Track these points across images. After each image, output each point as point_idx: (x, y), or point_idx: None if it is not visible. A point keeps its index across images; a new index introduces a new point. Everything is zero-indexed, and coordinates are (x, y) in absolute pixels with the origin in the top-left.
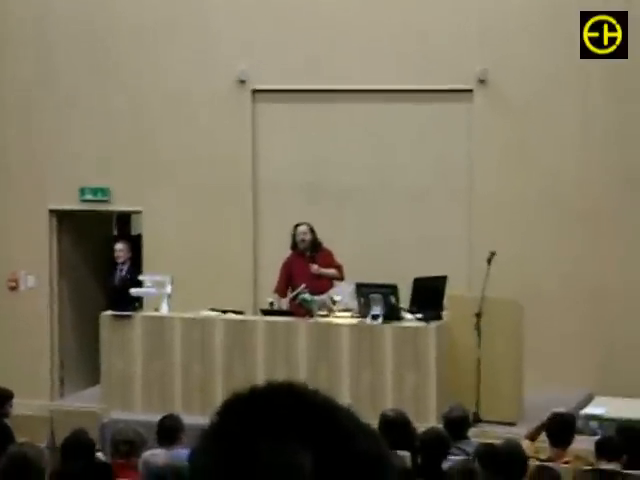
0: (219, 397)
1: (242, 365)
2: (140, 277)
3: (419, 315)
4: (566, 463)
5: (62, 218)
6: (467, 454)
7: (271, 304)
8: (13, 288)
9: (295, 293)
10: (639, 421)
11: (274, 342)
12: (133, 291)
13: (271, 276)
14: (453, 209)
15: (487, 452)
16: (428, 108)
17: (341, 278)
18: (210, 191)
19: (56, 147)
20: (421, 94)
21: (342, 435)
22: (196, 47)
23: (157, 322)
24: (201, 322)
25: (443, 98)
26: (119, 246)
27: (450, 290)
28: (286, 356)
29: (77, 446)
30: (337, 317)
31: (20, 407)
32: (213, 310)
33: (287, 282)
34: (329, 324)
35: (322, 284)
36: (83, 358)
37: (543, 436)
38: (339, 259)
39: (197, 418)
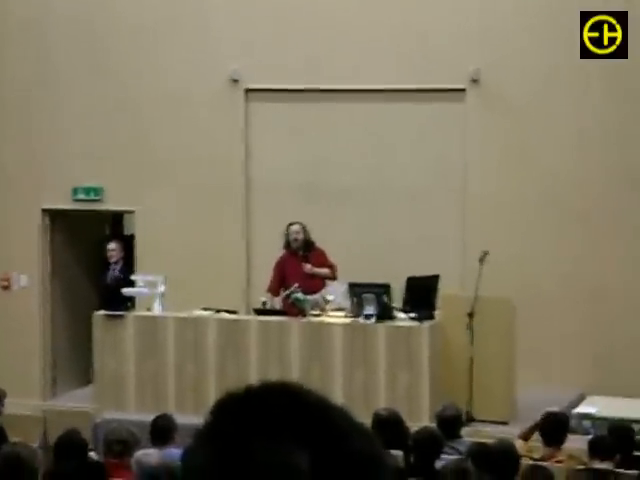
0: (212, 397)
1: (235, 364)
2: (133, 277)
3: (412, 314)
4: (559, 462)
5: (55, 217)
6: (460, 453)
7: (264, 303)
8: (5, 287)
9: (288, 292)
10: (631, 420)
11: (267, 341)
12: (125, 291)
13: (264, 275)
14: (447, 209)
15: (480, 451)
16: (424, 108)
17: (334, 278)
18: (203, 191)
19: (48, 147)
20: (417, 94)
21: (337, 434)
22: (189, 47)
23: (150, 322)
24: (194, 322)
25: (439, 98)
26: (112, 246)
27: (443, 289)
28: (279, 355)
29: (70, 446)
30: (330, 316)
31: (13, 407)
32: (206, 310)
33: (280, 281)
34: (322, 323)
35: (315, 283)
36: (75, 358)
37: (536, 435)
38: (333, 259)
39: (190, 418)
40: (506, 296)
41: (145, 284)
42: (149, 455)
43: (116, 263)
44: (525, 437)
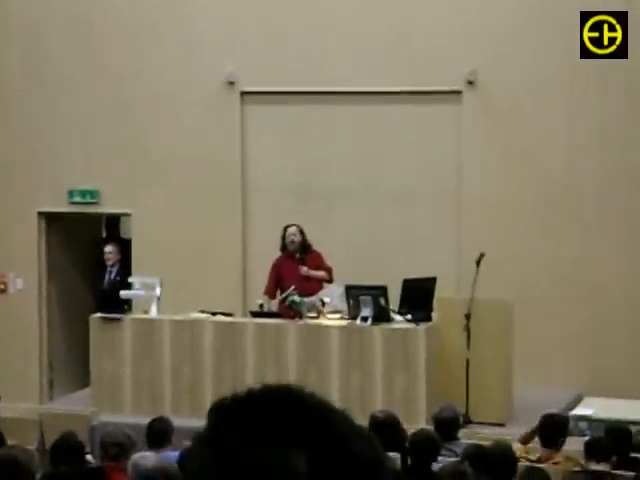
0: (208, 399)
1: (232, 367)
2: (129, 279)
3: (409, 316)
4: (556, 464)
5: (51, 220)
6: (457, 455)
7: (261, 306)
8: (2, 291)
9: (285, 295)
10: (628, 422)
11: (263, 344)
12: (123, 293)
13: (260, 278)
14: (442, 210)
15: (476, 453)
16: (420, 110)
17: (330, 280)
18: (199, 193)
19: (45, 150)
20: (410, 96)
21: (337, 437)
22: (185, 49)
23: (146, 324)
24: (190, 324)
25: (432, 100)
26: (108, 248)
27: (439, 291)
28: (276, 358)
29: (66, 449)
30: (327, 319)
31: (9, 410)
32: (202, 312)
33: (277, 284)
34: (319, 326)
35: (312, 286)
36: (72, 361)
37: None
38: (329, 261)
39: (187, 420)
40: (503, 297)
41: (142, 287)
42: (145, 458)
43: (113, 266)
44: (525, 441)
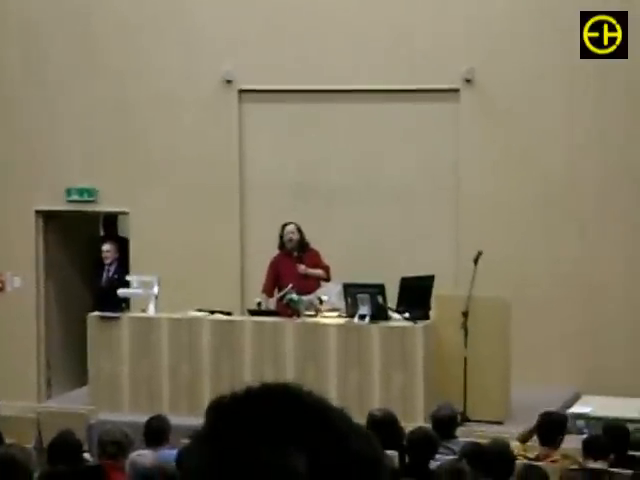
0: (206, 397)
1: (229, 365)
2: (127, 278)
3: (406, 315)
4: (554, 462)
5: (48, 219)
6: (455, 453)
7: (259, 304)
8: None
9: (282, 293)
10: (626, 420)
11: (261, 342)
12: (120, 292)
13: (259, 276)
14: (440, 208)
15: (474, 451)
16: (418, 108)
17: (328, 279)
18: (197, 191)
19: (42, 148)
20: (408, 94)
21: (335, 436)
22: (183, 48)
23: (144, 323)
24: (188, 323)
25: (430, 98)
26: (106, 247)
27: (437, 289)
28: (273, 356)
29: (64, 447)
30: (324, 317)
31: (7, 409)
32: (200, 310)
33: (274, 282)
34: (316, 324)
35: (309, 284)
36: (70, 359)
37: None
38: (326, 259)
39: (184, 419)
40: (500, 296)
41: (139, 285)
42: (143, 456)
43: (111, 264)
44: (523, 439)
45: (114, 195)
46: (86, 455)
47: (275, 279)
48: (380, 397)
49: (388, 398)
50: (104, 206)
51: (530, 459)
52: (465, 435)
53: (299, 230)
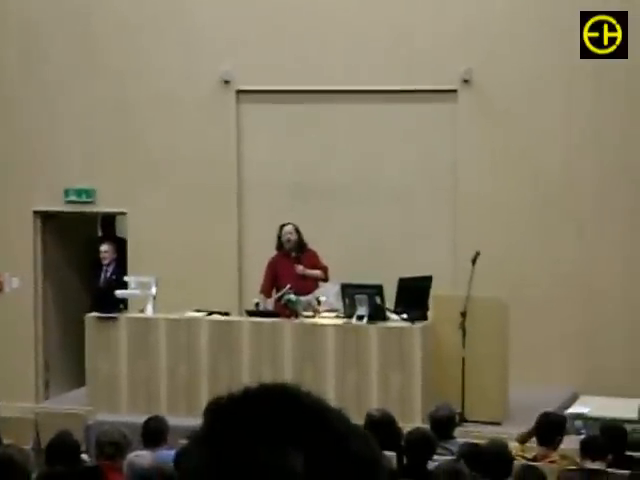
0: (204, 398)
1: (227, 366)
2: (125, 278)
3: (404, 315)
4: (552, 462)
5: (46, 219)
6: (453, 454)
7: (257, 305)
8: None
9: (280, 294)
10: (623, 420)
11: (259, 343)
12: (118, 293)
13: (256, 277)
14: (438, 209)
15: (472, 452)
16: (415, 109)
17: (326, 279)
18: (195, 192)
19: (40, 148)
20: (408, 94)
21: (334, 436)
22: (181, 48)
23: (142, 323)
24: (186, 323)
25: (428, 98)
26: (104, 247)
27: (435, 290)
28: (271, 357)
29: (62, 448)
30: (322, 318)
31: (5, 409)
32: (198, 311)
33: (272, 282)
34: (314, 325)
35: (307, 285)
36: (68, 360)
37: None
38: (324, 260)
39: (182, 419)
40: (498, 296)
41: (137, 285)
42: (141, 457)
43: (109, 265)
44: (523, 440)
45: (112, 196)
46: (84, 456)
47: (273, 280)
48: (378, 398)
49: (386, 399)
50: (102, 207)
51: (528, 459)
52: (463, 436)
53: (297, 231)
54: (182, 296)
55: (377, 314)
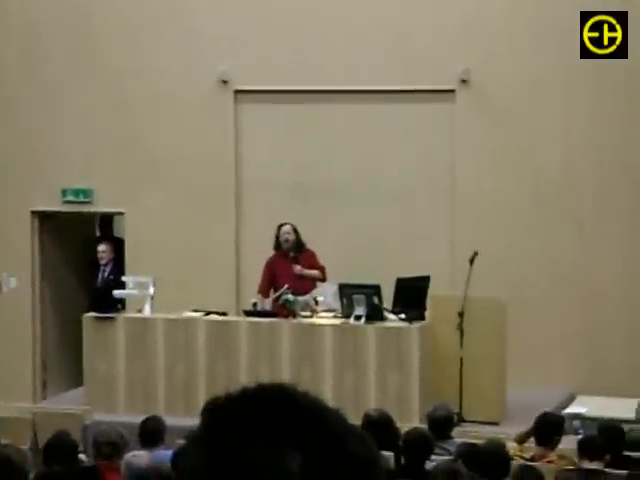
0: (202, 398)
1: (225, 366)
2: (123, 278)
3: (402, 315)
4: (549, 462)
5: (44, 219)
6: (451, 454)
7: (254, 305)
8: None
9: (278, 294)
10: (621, 420)
11: (257, 343)
12: (116, 293)
13: (254, 277)
14: (436, 209)
15: (469, 452)
16: (414, 109)
17: (324, 279)
18: (193, 192)
19: (39, 148)
20: (407, 94)
21: (331, 436)
22: (179, 48)
23: (140, 323)
24: (184, 323)
25: (427, 98)
26: (102, 247)
27: (432, 290)
28: (269, 357)
29: (59, 448)
30: (320, 318)
31: (2, 409)
32: (196, 311)
33: (270, 282)
34: (312, 325)
35: (305, 285)
36: (65, 360)
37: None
38: (324, 260)
39: (180, 419)
40: (496, 296)
41: (135, 285)
42: (139, 457)
43: (106, 265)
44: (521, 440)
45: (110, 196)
46: (81, 456)
47: (271, 279)
48: (376, 398)
49: (384, 398)
50: (100, 207)
51: (526, 459)
52: (460, 436)
53: (295, 231)
54: (180, 296)
55: (375, 314)
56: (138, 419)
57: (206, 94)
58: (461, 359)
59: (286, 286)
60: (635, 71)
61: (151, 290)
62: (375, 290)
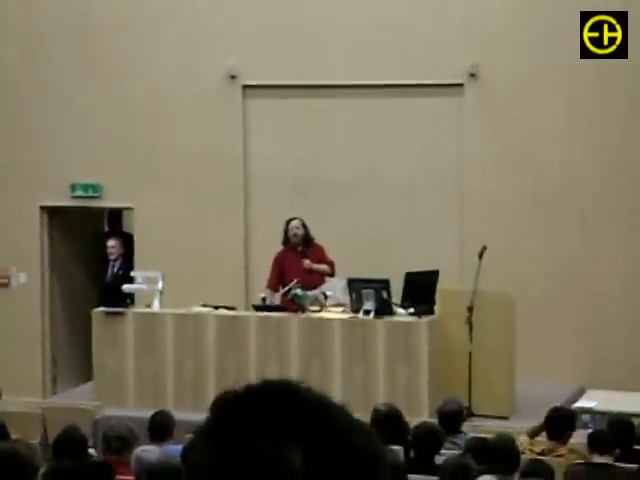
0: (211, 393)
1: (234, 361)
2: (132, 273)
3: (411, 310)
4: (559, 456)
5: (53, 215)
6: (460, 448)
7: (263, 299)
8: (4, 285)
9: (287, 288)
10: (631, 414)
11: (266, 338)
12: (125, 287)
13: (263, 271)
14: (444, 203)
15: (479, 446)
16: (422, 103)
17: (332, 274)
18: (201, 187)
19: (47, 144)
20: (415, 89)
21: (336, 432)
22: (186, 44)
23: (149, 318)
24: (193, 318)
25: (434, 93)
26: (111, 242)
27: (441, 284)
28: (278, 351)
29: (69, 443)
30: (329, 312)
31: (12, 404)
32: (205, 306)
33: (279, 277)
34: (321, 319)
35: (314, 279)
36: (75, 355)
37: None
38: (331, 254)
39: (189, 414)
40: (505, 290)
41: (144, 280)
42: (148, 451)
43: (116, 260)
44: (533, 434)
45: (119, 191)
46: (91, 451)
47: (280, 274)
48: (385, 392)
49: (393, 393)
50: (109, 202)
51: (536, 453)
52: (470, 430)
53: (304, 225)
54: (189, 291)
55: (384, 309)
56: (147, 414)
57: (214, 89)
58: (470, 353)
59: (295, 281)
60: (635, 71)
61: (160, 285)
62: (384, 285)
